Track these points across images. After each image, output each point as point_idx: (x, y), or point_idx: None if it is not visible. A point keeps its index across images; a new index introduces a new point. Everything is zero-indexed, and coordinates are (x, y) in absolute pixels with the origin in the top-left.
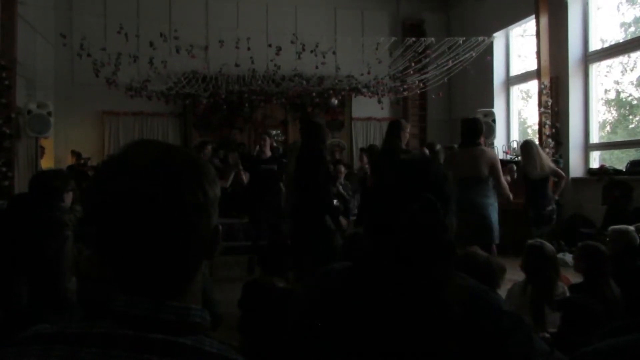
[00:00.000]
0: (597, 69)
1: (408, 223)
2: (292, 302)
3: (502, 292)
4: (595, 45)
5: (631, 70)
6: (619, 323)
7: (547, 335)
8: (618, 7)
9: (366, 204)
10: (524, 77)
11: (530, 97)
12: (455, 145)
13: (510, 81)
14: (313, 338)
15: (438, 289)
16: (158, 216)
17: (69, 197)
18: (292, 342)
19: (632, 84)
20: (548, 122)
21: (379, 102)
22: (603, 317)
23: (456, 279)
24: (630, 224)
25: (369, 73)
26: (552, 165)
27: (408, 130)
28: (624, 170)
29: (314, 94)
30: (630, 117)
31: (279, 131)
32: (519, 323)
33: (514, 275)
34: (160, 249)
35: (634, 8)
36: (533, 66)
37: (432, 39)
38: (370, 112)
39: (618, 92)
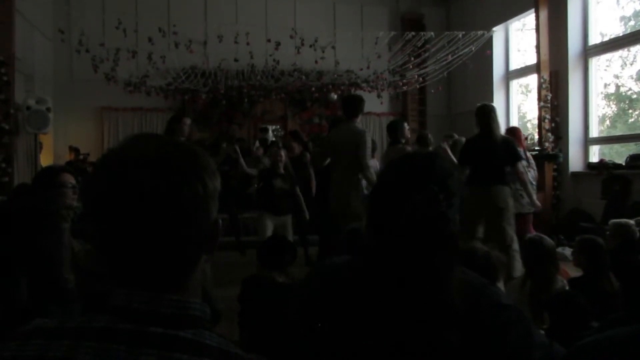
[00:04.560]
0: (597, 63)
1: (410, 213)
2: (293, 295)
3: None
4: (594, 39)
5: (631, 64)
6: (618, 315)
7: (542, 331)
8: (618, 0)
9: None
10: (524, 72)
11: (529, 91)
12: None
13: (510, 75)
14: (313, 330)
15: (440, 280)
16: (157, 209)
17: (68, 194)
18: (292, 334)
19: (632, 78)
20: (548, 116)
21: (379, 96)
22: (590, 312)
23: (457, 272)
24: (630, 218)
25: (368, 68)
26: None
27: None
28: (624, 164)
29: (313, 88)
30: (630, 111)
31: (278, 126)
32: (518, 316)
33: None
34: (160, 242)
35: (634, 2)
36: (532, 60)
37: (432, 33)
38: (369, 106)
39: (618, 86)
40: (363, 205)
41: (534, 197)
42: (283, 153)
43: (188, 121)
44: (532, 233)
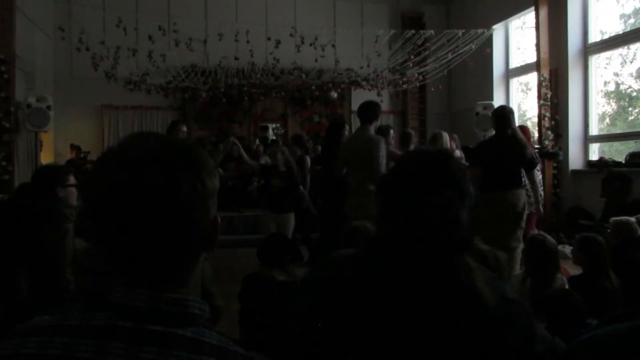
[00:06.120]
0: (597, 61)
1: (424, 217)
2: (297, 290)
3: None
4: (594, 37)
5: (630, 62)
6: (617, 313)
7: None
8: None
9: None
10: (524, 70)
11: (529, 89)
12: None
13: (510, 73)
14: (321, 324)
15: (450, 280)
16: (156, 207)
17: (73, 194)
18: (297, 328)
19: (632, 75)
20: (547, 114)
21: (379, 95)
22: (586, 310)
23: (466, 269)
24: (630, 216)
25: (368, 66)
26: None
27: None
28: (623, 162)
29: (313, 87)
30: (630, 109)
31: (278, 124)
32: (522, 310)
33: None
34: (159, 240)
35: None
36: (532, 58)
37: (432, 31)
38: None
39: (617, 84)
40: None
41: (540, 204)
42: (282, 151)
43: (184, 128)
44: (535, 232)
